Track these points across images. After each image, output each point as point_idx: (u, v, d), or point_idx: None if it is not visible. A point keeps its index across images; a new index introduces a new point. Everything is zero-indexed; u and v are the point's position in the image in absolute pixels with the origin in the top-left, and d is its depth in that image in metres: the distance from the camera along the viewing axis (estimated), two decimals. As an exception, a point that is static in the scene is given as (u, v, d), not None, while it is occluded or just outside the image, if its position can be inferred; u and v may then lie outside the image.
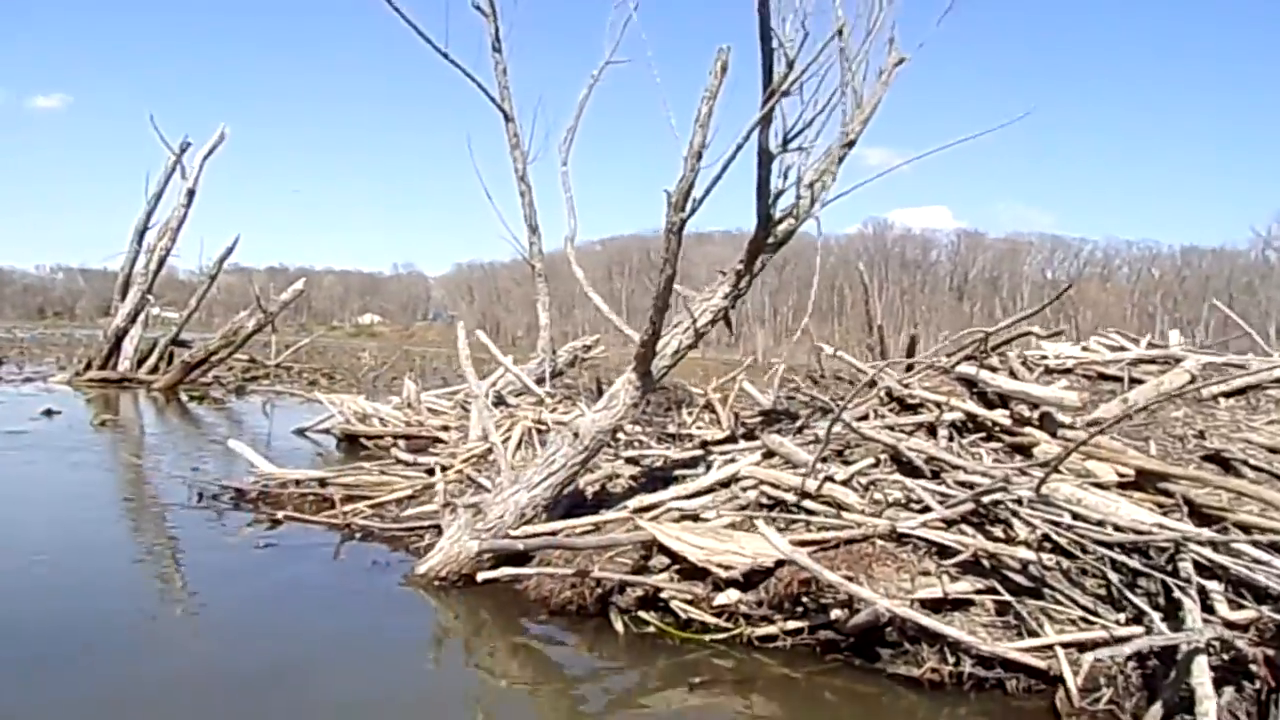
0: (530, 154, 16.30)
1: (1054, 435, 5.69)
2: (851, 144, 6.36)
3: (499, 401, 10.74)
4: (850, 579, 4.69)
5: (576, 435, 6.06)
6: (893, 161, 6.58)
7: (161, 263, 21.88)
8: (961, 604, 4.78)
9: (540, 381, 14.28)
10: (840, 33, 5.86)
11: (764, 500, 5.80)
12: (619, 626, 5.24)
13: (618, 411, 6.15)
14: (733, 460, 6.64)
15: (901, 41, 6.43)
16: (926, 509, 5.19)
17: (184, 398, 19.07)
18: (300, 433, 13.38)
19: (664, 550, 5.43)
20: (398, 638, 5.22)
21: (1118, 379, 6.62)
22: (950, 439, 6.01)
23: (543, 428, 8.59)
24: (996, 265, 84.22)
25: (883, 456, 6.04)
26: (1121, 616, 4.45)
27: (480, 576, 4.93)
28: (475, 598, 5.71)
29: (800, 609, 4.99)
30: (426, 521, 7.04)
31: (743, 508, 5.82)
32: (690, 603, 5.27)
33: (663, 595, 5.33)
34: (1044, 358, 7.43)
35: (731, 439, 7.93)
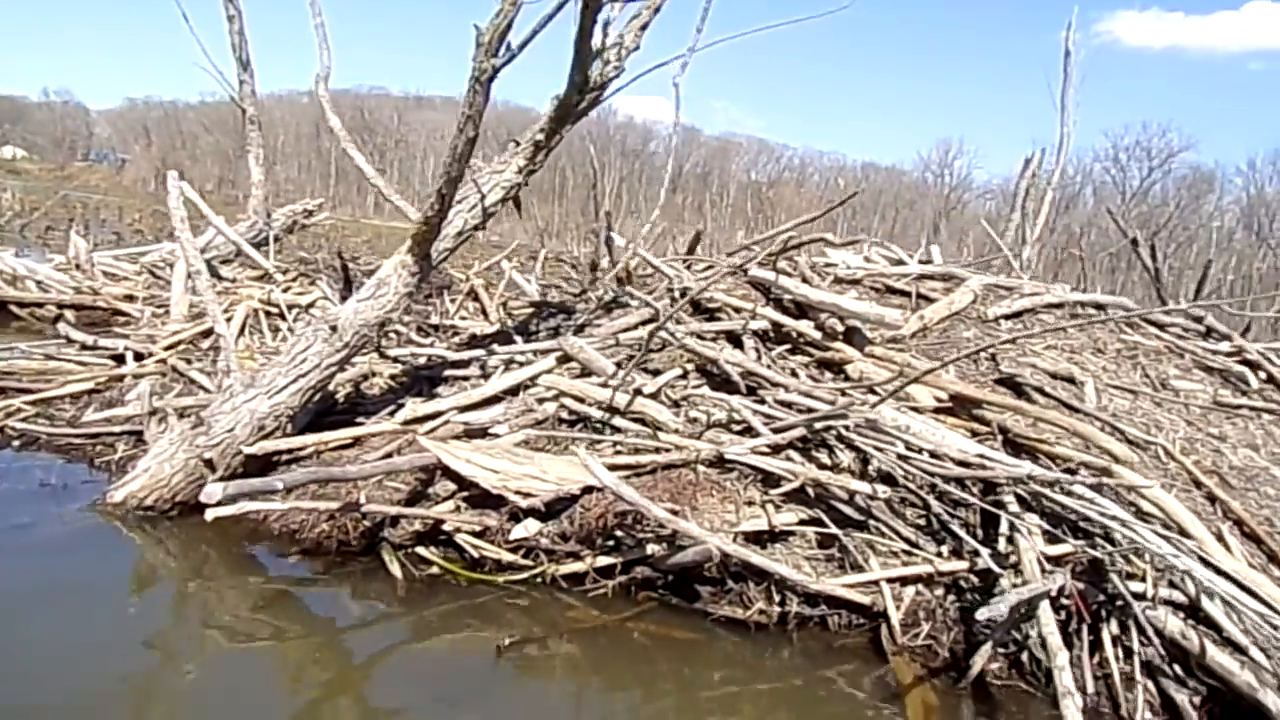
0: (240, -32, 13.53)
1: (862, 351, 5.47)
2: (659, 8, 5.54)
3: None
4: (675, 512, 4.13)
5: (335, 329, 4.86)
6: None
7: None
8: (780, 536, 4.43)
9: (260, 245, 12.28)
10: None
11: (564, 415, 5.05)
12: (394, 568, 4.32)
13: (388, 302, 5.03)
14: (520, 364, 5.79)
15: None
16: (748, 430, 4.74)
17: None
18: (-81, 293, 10.35)
19: (449, 474, 4.53)
20: (90, 591, 3.89)
21: (905, 293, 6.59)
22: (758, 352, 5.60)
23: (271, 310, 7.10)
24: (709, 162, 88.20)
25: (688, 367, 5.51)
26: (943, 549, 4.32)
27: (210, 514, 3.73)
28: (195, 531, 4.47)
29: (611, 543, 4.37)
30: (118, 427, 5.47)
31: (539, 422, 5.03)
32: (479, 535, 4.46)
33: (446, 528, 4.47)
34: (829, 265, 7.28)
35: (505, 334, 7.05)
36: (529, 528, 4.42)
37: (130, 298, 10.08)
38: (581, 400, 5.01)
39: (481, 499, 4.52)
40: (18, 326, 9.50)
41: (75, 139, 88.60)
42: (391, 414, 5.45)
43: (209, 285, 5.05)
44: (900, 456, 4.41)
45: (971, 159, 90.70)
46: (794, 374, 5.35)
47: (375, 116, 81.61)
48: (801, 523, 4.42)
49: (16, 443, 5.41)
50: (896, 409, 4.77)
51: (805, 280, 6.69)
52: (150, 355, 6.47)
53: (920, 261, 7.59)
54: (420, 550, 4.46)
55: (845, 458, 4.59)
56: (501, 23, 4.10)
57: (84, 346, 6.97)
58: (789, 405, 4.93)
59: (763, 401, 4.96)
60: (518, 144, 5.58)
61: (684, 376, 5.41)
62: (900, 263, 7.30)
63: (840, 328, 5.54)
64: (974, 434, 4.82)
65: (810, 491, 4.44)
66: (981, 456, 4.40)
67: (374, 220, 64.49)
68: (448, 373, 6.05)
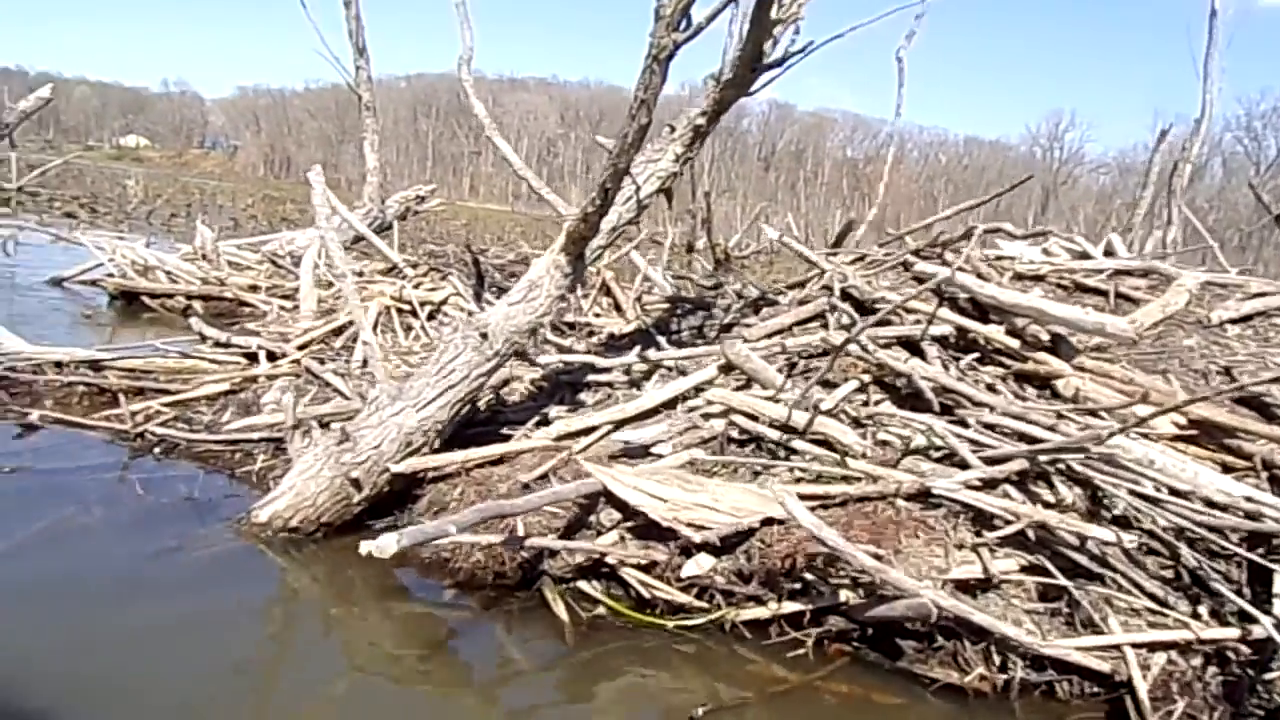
0: (359, -45, 13.39)
1: (1070, 363, 4.76)
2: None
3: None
4: (878, 558, 3.57)
5: (485, 337, 4.45)
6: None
7: None
8: (993, 584, 3.82)
9: (378, 232, 12.17)
10: None
11: (735, 434, 4.52)
12: (559, 608, 3.88)
13: (540, 305, 4.59)
14: (672, 372, 5.31)
15: None
16: (948, 457, 4.13)
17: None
18: (58, 283, 10.59)
19: (613, 501, 4.07)
20: (236, 622, 3.58)
21: (1099, 291, 5.81)
22: (944, 364, 4.96)
23: (403, 307, 6.80)
24: (802, 139, 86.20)
25: (865, 378, 4.91)
26: (1200, 609, 3.63)
27: (365, 549, 3.35)
28: (343, 555, 4.15)
29: (798, 585, 3.84)
30: (257, 434, 5.22)
31: (705, 441, 4.52)
32: (647, 570, 3.99)
33: (610, 561, 4.02)
34: (999, 259, 6.53)
35: (645, 334, 6.58)
36: (701, 564, 3.93)
37: (254, 287, 10.06)
38: (754, 418, 4.48)
39: (647, 529, 4.05)
40: (149, 317, 9.59)
41: (192, 127, 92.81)
42: (537, 425, 5.05)
43: (354, 290, 4.71)
44: (1141, 496, 3.73)
45: (1084, 131, 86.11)
46: (992, 389, 4.69)
47: (470, 100, 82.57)
48: (1022, 570, 3.79)
49: (158, 449, 5.21)
50: (1132, 437, 4.07)
51: (982, 277, 5.98)
52: (283, 355, 6.24)
53: (1105, 253, 6.75)
54: (583, 585, 4.02)
55: (1068, 494, 3.93)
56: (686, -8, 3.57)
57: (217, 344, 6.82)
58: (992, 428, 4.30)
59: (963, 424, 4.33)
60: (673, 129, 5.05)
61: (862, 389, 4.82)
62: (1085, 255, 6.49)
63: (1044, 336, 4.83)
64: (1226, 468, 4.09)
65: (1030, 534, 3.81)
66: (1250, 500, 3.69)
67: (470, 203, 65.59)
68: (590, 378, 5.63)
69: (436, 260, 7.96)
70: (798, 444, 4.36)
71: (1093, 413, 4.20)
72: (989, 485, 3.91)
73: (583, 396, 5.58)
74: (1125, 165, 63.27)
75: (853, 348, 4.87)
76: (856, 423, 4.50)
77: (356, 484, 4.25)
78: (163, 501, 4.51)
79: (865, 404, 4.71)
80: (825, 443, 4.35)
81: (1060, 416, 4.22)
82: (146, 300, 9.76)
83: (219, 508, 4.54)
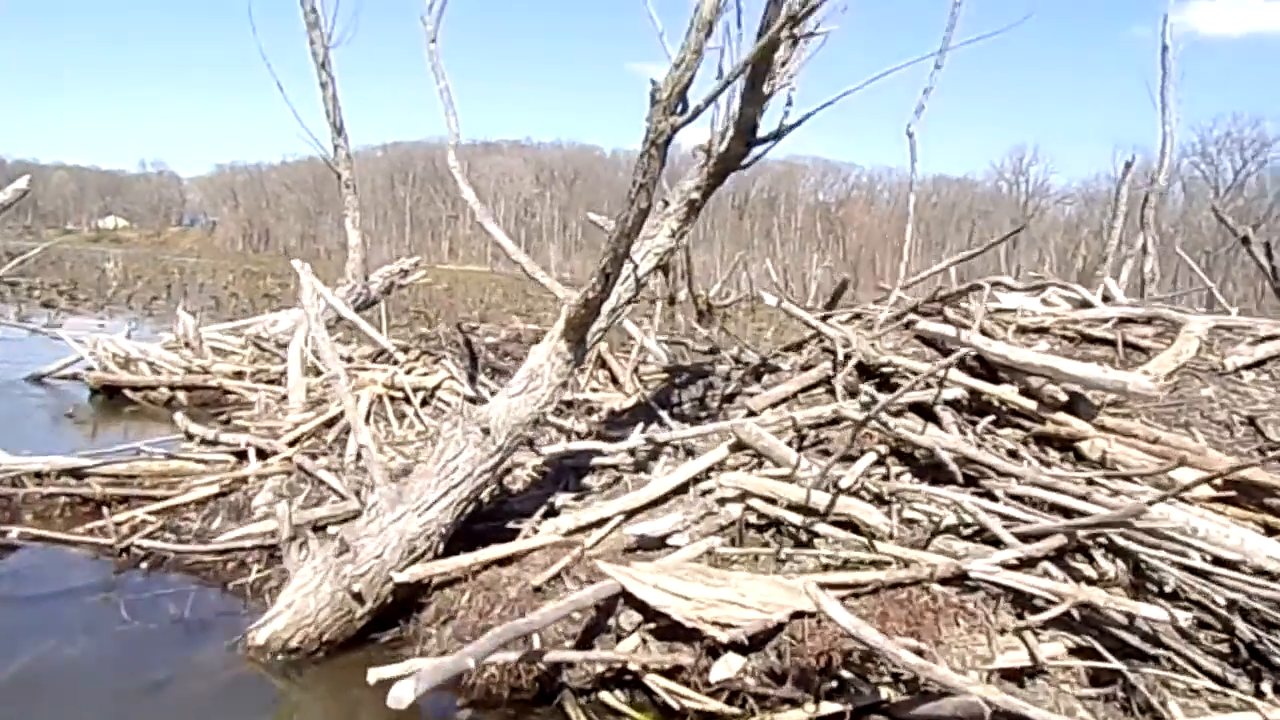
0: (333, 36, 13.47)
1: (1091, 423, 4.61)
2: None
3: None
4: (920, 653, 3.36)
5: (487, 432, 4.26)
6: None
7: None
8: (1040, 668, 3.61)
9: (361, 308, 12.03)
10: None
11: (753, 519, 4.32)
12: (581, 725, 3.64)
13: (542, 395, 4.42)
14: (679, 451, 5.13)
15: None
16: (979, 533, 3.94)
17: None
18: (38, 379, 10.33)
19: (633, 602, 3.85)
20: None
21: (1105, 341, 5.69)
22: (961, 430, 4.81)
23: (397, 394, 6.60)
24: (774, 186, 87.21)
25: (881, 449, 4.74)
26: (1263, 686, 3.43)
27: (374, 676, 3.10)
28: (347, 674, 3.89)
29: (836, 684, 3.61)
30: (251, 543, 4.98)
31: (723, 528, 4.32)
32: (671, 675, 3.75)
33: (633, 667, 3.78)
34: (999, 311, 6.43)
35: (645, 409, 6.40)
36: (730, 665, 3.69)
37: (239, 374, 9.85)
38: (773, 500, 4.28)
39: (671, 629, 3.82)
40: (132, 411, 9.33)
41: (170, 206, 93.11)
42: (544, 516, 4.84)
43: (348, 390, 4.52)
44: (1189, 569, 3.56)
45: (1048, 165, 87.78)
46: (1015, 456, 4.53)
47: (446, 165, 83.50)
48: (1070, 653, 3.59)
49: (145, 564, 4.95)
50: (1171, 503, 3.90)
51: (985, 333, 5.87)
52: (274, 452, 6.01)
53: (1103, 299, 6.67)
54: (606, 697, 3.77)
55: (1110, 567, 3.75)
56: (683, 76, 3.47)
57: (204, 441, 6.58)
58: (1021, 499, 4.12)
59: (991, 496, 4.15)
60: (667, 204, 4.96)
61: (880, 462, 4.65)
62: (1085, 304, 6.40)
63: (1061, 395, 4.69)
64: (1268, 529, 3.92)
65: (1075, 613, 3.61)
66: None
67: (450, 266, 65.70)
68: (595, 461, 5.43)
69: (428, 343, 7.78)
70: (821, 527, 4.16)
71: (1125, 478, 4.04)
72: (1027, 563, 3.72)
73: (588, 481, 5.38)
74: (1089, 195, 64.38)
75: (856, 414, 4.70)
76: (879, 500, 4.31)
77: (359, 598, 4.01)
78: (151, 627, 4.24)
79: (885, 477, 4.53)
80: (849, 524, 4.15)
81: (1091, 483, 4.06)
82: (129, 394, 9.51)
83: (212, 628, 4.28)
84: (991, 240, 9.55)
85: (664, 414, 6.04)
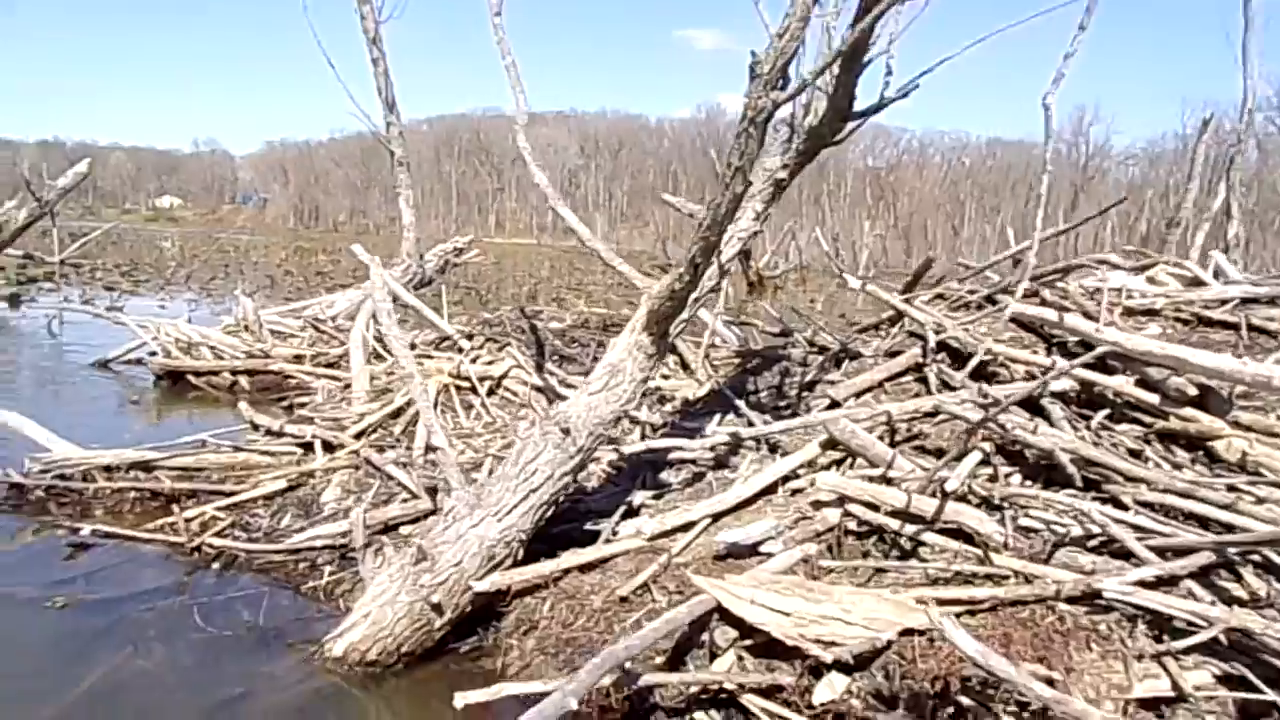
0: (383, 10, 13.26)
1: (1225, 419, 4.21)
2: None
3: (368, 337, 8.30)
4: (1051, 682, 3.06)
5: (567, 432, 4.03)
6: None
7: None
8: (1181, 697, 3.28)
9: (416, 288, 11.91)
10: None
11: (852, 525, 4.03)
12: (678, 749, 3.41)
13: (624, 392, 4.17)
14: (762, 445, 4.86)
15: None
16: (1107, 544, 3.60)
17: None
18: (103, 365, 10.40)
19: (728, 617, 3.61)
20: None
21: (1230, 325, 5.25)
22: (1073, 426, 4.44)
23: (462, 385, 6.41)
24: (823, 151, 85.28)
25: (985, 446, 4.40)
26: None
27: (460, 701, 2.92)
28: (427, 688, 3.74)
29: (953, 710, 3.33)
30: (321, 542, 4.84)
31: (819, 534, 4.04)
32: (769, 695, 3.50)
33: (728, 686, 3.54)
34: (1098, 291, 5.99)
35: (720, 397, 6.12)
36: (835, 686, 3.43)
37: (299, 357, 9.78)
38: (875, 507, 3.98)
39: (769, 647, 3.57)
40: (195, 396, 9.33)
41: (223, 184, 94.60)
42: (624, 516, 4.61)
43: (421, 389, 4.30)
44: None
45: (1110, 125, 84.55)
46: (1138, 456, 4.16)
47: (491, 138, 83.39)
48: (1216, 681, 3.26)
49: (216, 564, 4.84)
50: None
51: (1088, 315, 5.47)
52: (340, 445, 5.87)
53: (1215, 276, 6.19)
54: (699, 717, 3.54)
55: (1262, 586, 3.39)
56: (787, 48, 3.14)
57: (269, 432, 6.47)
58: (1151, 506, 3.77)
59: (1118, 503, 3.81)
60: (749, 184, 4.63)
61: (985, 461, 4.31)
62: (1198, 282, 5.94)
63: (1190, 389, 4.29)
64: None
65: (1222, 638, 3.27)
66: None
67: (496, 239, 65.76)
68: (675, 454, 5.18)
69: (492, 329, 7.58)
70: (928, 535, 3.85)
71: (1276, 484, 3.66)
72: (1167, 581, 3.38)
73: (666, 476, 5.14)
74: (1154, 155, 61.94)
75: (966, 412, 4.37)
76: (989, 505, 3.98)
77: (438, 608, 3.82)
78: (226, 634, 4.11)
79: (993, 479, 4.20)
80: (958, 532, 3.84)
81: (1233, 490, 3.68)
82: (192, 379, 9.51)
83: (287, 635, 4.14)
84: (1090, 214, 8.95)
85: (741, 404, 5.76)
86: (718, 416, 5.69)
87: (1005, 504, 3.93)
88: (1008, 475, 4.24)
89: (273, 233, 62.33)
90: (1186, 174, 17.34)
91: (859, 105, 4.25)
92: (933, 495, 3.92)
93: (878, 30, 3.99)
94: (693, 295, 4.34)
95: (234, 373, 9.47)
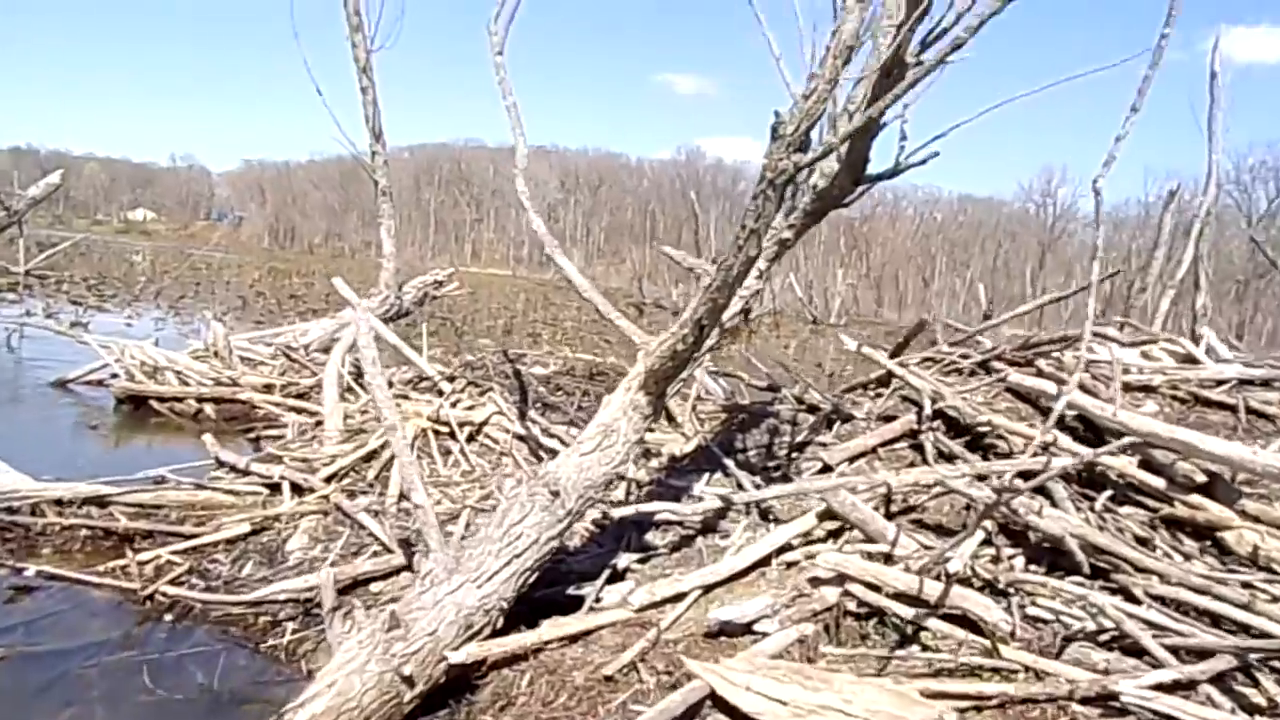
0: (375, 39, 13.14)
1: (1233, 508, 4.10)
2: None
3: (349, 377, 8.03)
4: (1068, 789, 2.87)
5: (556, 495, 3.82)
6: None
7: None
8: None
9: (392, 319, 11.66)
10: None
11: (852, 606, 3.84)
12: None
13: (617, 454, 3.98)
14: (758, 514, 4.67)
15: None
16: (1120, 639, 3.44)
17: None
18: (63, 384, 9.99)
19: (721, 704, 3.39)
20: None
21: (1227, 407, 5.18)
22: (1077, 507, 4.31)
23: (441, 430, 6.16)
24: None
25: (987, 525, 4.25)
26: None
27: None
28: (393, 768, 3.45)
29: (957, 813, 3.13)
30: (285, 595, 4.55)
31: (817, 614, 3.84)
32: (765, 789, 3.28)
33: (722, 779, 3.32)
34: (1092, 364, 5.92)
35: (708, 454, 5.94)
36: (834, 782, 3.22)
37: (269, 386, 9.46)
38: (876, 588, 3.80)
39: (763, 735, 3.36)
40: (156, 422, 8.97)
41: (198, 200, 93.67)
42: (609, 580, 4.38)
43: (404, 443, 4.08)
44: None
45: (1077, 187, 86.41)
46: (1146, 544, 4.02)
47: (471, 168, 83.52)
48: (1235, 793, 3.09)
49: (169, 615, 4.53)
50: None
51: (1086, 390, 5.37)
52: (309, 489, 5.59)
53: (1206, 353, 6.15)
54: (690, 811, 3.31)
55: (1277, 690, 3.24)
56: (814, 109, 3.02)
57: (234, 469, 6.16)
58: (1162, 600, 3.63)
59: (1129, 595, 3.65)
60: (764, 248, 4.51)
61: (987, 541, 4.16)
62: (1191, 359, 5.89)
63: (1199, 476, 4.18)
64: None
65: (1241, 744, 3.11)
66: None
67: (472, 269, 65.46)
68: (661, 515, 4.98)
69: (474, 372, 7.35)
70: (931, 622, 3.67)
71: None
72: (1185, 685, 3.22)
73: (651, 538, 4.93)
74: (1118, 219, 63.42)
75: (973, 490, 4.22)
76: (993, 589, 3.82)
77: (409, 680, 3.56)
78: (176, 697, 3.80)
79: (995, 560, 4.04)
80: (962, 618, 3.67)
81: (1248, 587, 3.55)
82: (155, 404, 9.15)
83: (242, 699, 3.85)
84: (1083, 284, 8.96)
85: (729, 462, 5.57)
86: (706, 475, 5.50)
87: (1011, 589, 3.76)
88: (1011, 557, 4.09)
89: (247, 252, 61.53)
90: (1153, 241, 17.69)
91: (871, 169, 4.17)
92: (936, 578, 3.74)
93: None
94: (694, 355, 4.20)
95: (200, 400, 9.12)
